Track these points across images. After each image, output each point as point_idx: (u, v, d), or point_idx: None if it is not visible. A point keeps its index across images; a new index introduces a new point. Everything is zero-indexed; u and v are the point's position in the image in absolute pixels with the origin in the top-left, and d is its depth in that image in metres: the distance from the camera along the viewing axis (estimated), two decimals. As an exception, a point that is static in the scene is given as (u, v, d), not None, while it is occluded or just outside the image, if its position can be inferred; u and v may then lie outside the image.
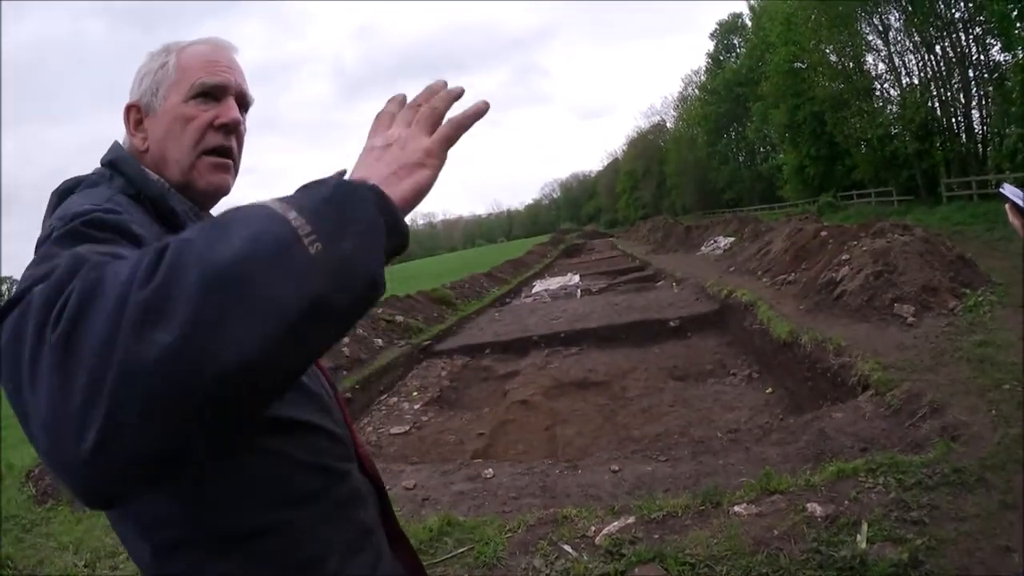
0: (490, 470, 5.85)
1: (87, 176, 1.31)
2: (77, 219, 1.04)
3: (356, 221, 0.83)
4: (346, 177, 0.97)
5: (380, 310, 14.71)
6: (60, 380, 0.71)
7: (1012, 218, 2.42)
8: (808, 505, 3.96)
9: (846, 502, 3.95)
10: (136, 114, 1.38)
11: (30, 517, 6.41)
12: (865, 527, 3.58)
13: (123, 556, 4.96)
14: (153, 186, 1.29)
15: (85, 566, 5.04)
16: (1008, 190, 2.82)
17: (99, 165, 1.35)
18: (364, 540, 1.30)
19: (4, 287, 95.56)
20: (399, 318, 14.54)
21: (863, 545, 3.45)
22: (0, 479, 7.61)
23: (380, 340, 12.95)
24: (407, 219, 0.93)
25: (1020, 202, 2.46)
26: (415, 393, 10.54)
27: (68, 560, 5.16)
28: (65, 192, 1.26)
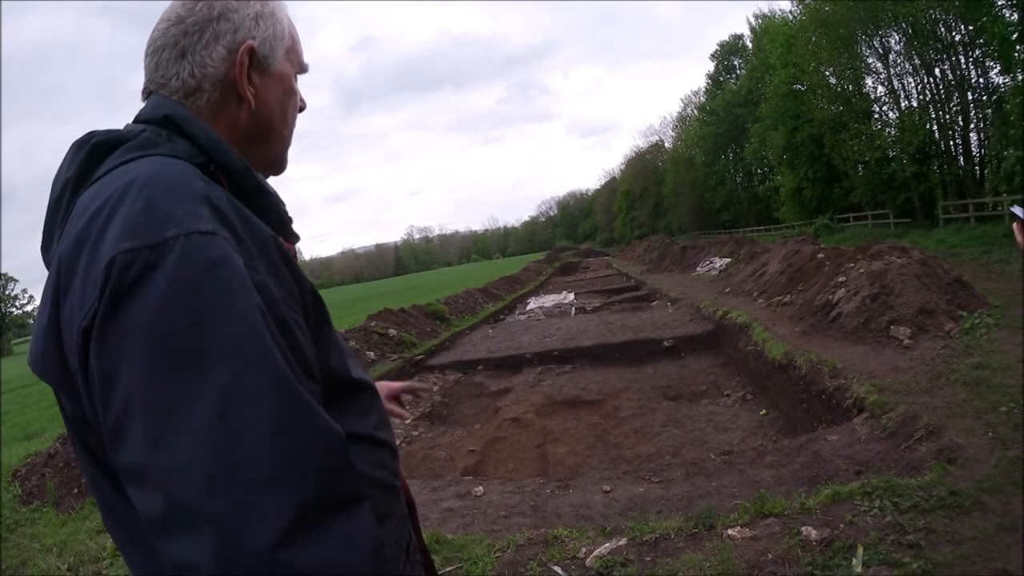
0: (480, 488, 5.78)
1: (130, 131, 1.05)
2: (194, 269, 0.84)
3: None
4: None
5: (373, 323, 14.67)
6: None
7: (1020, 236, 2.41)
8: (803, 528, 3.89)
9: (841, 525, 3.89)
10: (250, 60, 1.13)
11: (15, 517, 6.40)
12: (860, 551, 3.52)
13: (107, 562, 4.93)
14: (233, 159, 1.06)
15: (68, 569, 5.00)
16: (1018, 210, 2.82)
17: (137, 122, 1.09)
18: (414, 555, 1.23)
19: (1, 283, 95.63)
20: (392, 331, 14.49)
21: (858, 569, 3.40)
22: None
23: (372, 353, 12.90)
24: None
25: None
26: (406, 407, 10.43)
27: (51, 563, 5.13)
28: (99, 147, 1.03)
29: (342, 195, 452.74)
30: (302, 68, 1.25)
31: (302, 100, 1.27)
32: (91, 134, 1.05)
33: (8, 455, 8.37)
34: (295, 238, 1.20)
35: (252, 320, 0.85)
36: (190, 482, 0.78)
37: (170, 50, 1.10)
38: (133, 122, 1.09)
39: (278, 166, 1.25)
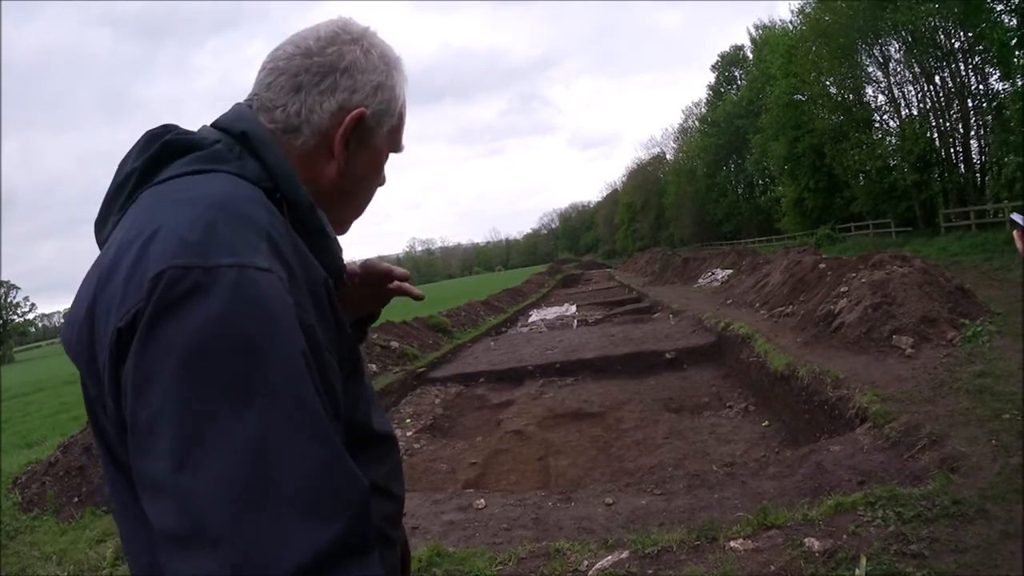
0: (482, 500, 5.75)
1: (203, 139, 1.03)
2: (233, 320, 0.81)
3: None
4: None
5: (375, 335, 14.65)
6: None
7: (1020, 243, 2.41)
8: (806, 540, 3.87)
9: (844, 536, 3.87)
10: (355, 127, 1.10)
11: (15, 524, 6.39)
12: (864, 561, 3.49)
13: (107, 571, 4.92)
14: (301, 193, 1.04)
15: (67, 578, 4.99)
16: (1018, 217, 2.82)
17: (212, 127, 1.08)
18: None
19: (2, 290, 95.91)
20: (394, 344, 14.47)
21: (862, 581, 3.37)
22: None
23: (375, 365, 12.87)
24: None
25: None
26: (408, 420, 10.42)
27: (51, 571, 5.14)
28: (170, 147, 1.01)
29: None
30: (396, 149, 1.22)
31: (384, 177, 1.24)
32: (166, 128, 1.04)
33: (8, 463, 8.38)
34: (342, 288, 1.17)
35: (297, 361, 0.84)
36: (215, 505, 0.76)
37: (288, 78, 1.08)
38: (211, 125, 1.08)
39: (341, 228, 1.22)
